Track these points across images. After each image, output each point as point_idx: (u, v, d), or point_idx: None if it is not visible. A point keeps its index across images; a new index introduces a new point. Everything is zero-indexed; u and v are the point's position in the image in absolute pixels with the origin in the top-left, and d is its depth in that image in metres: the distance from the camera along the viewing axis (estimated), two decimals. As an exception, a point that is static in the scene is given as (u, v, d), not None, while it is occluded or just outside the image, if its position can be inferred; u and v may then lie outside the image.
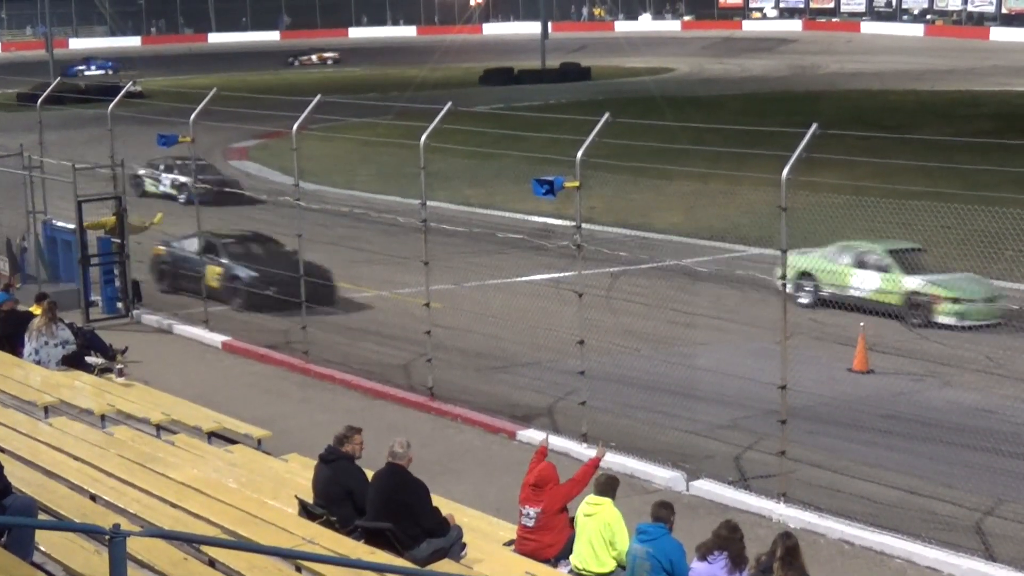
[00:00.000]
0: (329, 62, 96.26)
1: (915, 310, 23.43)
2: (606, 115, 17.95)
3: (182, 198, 36.86)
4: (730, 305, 24.83)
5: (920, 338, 22.72)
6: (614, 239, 28.93)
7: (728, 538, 11.95)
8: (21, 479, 12.87)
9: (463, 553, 12.75)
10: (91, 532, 10.43)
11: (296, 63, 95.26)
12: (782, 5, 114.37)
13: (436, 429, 19.37)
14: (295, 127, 22.78)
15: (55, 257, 27.64)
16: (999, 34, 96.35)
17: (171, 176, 38.52)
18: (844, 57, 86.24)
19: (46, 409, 17.42)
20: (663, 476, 17.03)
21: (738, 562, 11.85)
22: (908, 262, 23.85)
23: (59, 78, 39.62)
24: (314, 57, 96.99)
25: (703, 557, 11.97)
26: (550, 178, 17.82)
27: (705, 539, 12.11)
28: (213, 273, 26.00)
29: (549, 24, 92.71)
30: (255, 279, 25.72)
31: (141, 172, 38.93)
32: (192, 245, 26.37)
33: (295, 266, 23.31)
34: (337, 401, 20.74)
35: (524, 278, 26.55)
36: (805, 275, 24.66)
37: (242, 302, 25.80)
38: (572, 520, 13.24)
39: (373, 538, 12.50)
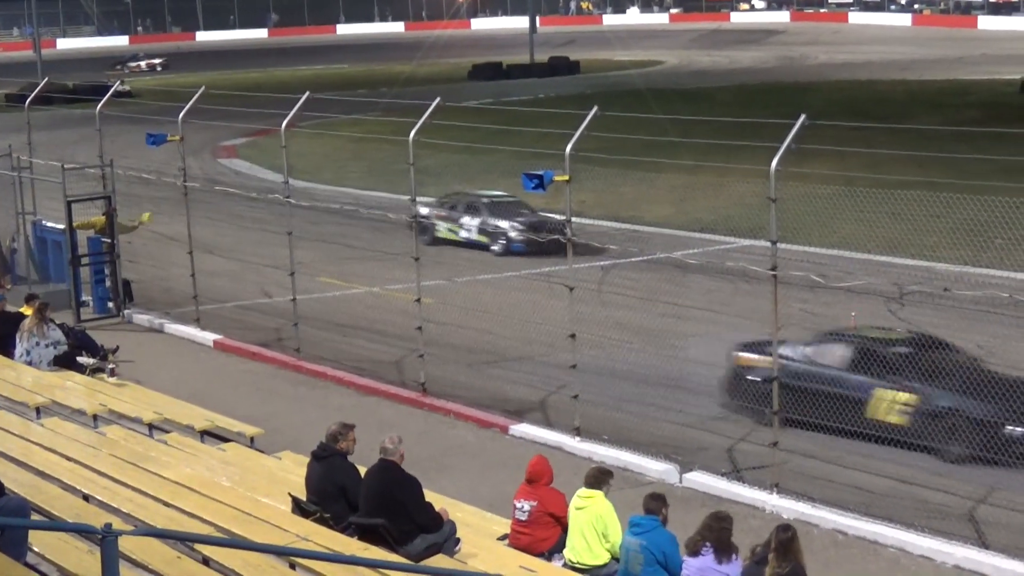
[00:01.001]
0: (158, 68, 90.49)
1: None
2: (595, 109, 17.97)
3: (497, 247, 30.48)
4: (721, 297, 24.83)
5: (910, 327, 22.73)
6: (604, 232, 28.92)
7: (709, 526, 11.98)
8: (13, 480, 12.86)
9: (457, 548, 12.76)
10: (84, 532, 10.41)
11: (125, 70, 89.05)
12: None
13: (429, 425, 19.38)
14: (284, 124, 22.77)
15: (45, 258, 27.61)
16: (987, 23, 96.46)
17: (479, 219, 31.06)
18: (832, 48, 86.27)
19: (38, 410, 17.41)
20: (656, 469, 17.05)
21: (722, 550, 11.84)
22: None
23: (47, 79, 39.56)
24: (142, 64, 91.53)
25: (694, 552, 11.99)
26: (540, 172, 17.83)
27: (693, 534, 12.14)
28: (891, 402, 17.31)
29: (537, 18, 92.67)
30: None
31: (426, 212, 29.98)
32: (829, 352, 17.89)
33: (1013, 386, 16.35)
34: (329, 398, 20.74)
35: (515, 272, 26.56)
36: None
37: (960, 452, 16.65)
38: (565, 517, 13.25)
39: (367, 534, 12.51)
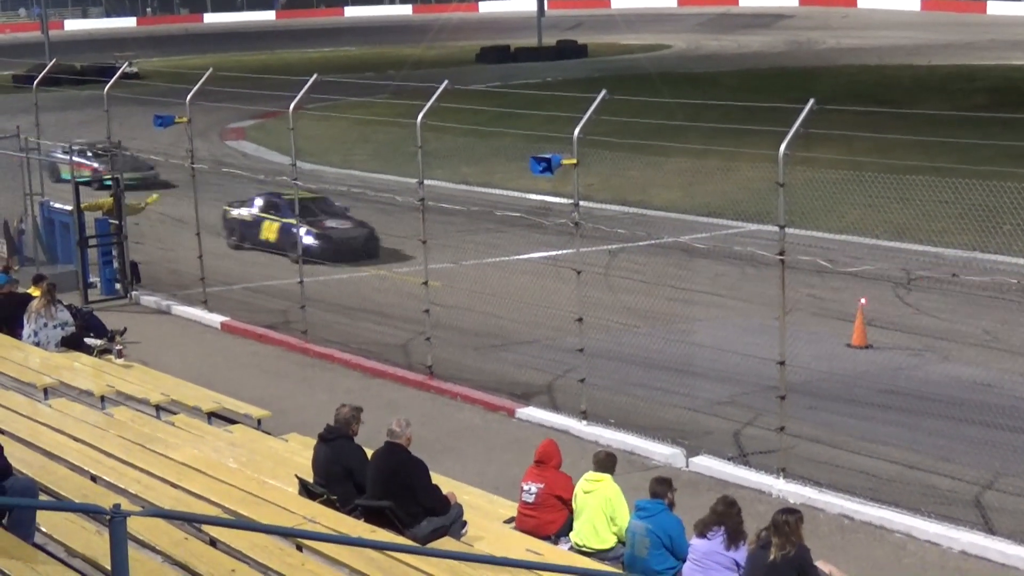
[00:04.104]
0: None
1: None
2: (603, 92, 17.94)
3: None
4: (728, 281, 24.84)
5: (918, 313, 22.75)
6: (612, 216, 28.93)
7: (724, 513, 11.97)
8: (21, 460, 12.88)
9: (464, 531, 12.78)
10: (92, 512, 10.44)
11: None
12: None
13: (435, 408, 19.39)
14: (292, 107, 22.75)
15: (53, 239, 27.64)
16: (996, 8, 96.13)
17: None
18: (841, 32, 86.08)
19: (46, 391, 17.43)
20: (662, 453, 17.06)
21: (735, 536, 11.86)
22: None
23: (55, 60, 39.43)
24: None
25: (702, 534, 11.99)
26: (547, 156, 17.82)
27: (704, 515, 12.14)
28: None
29: (545, 1, 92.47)
30: None
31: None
32: None
33: None
34: (336, 380, 20.75)
35: (522, 256, 26.55)
36: None
37: None
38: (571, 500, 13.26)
39: (373, 517, 12.52)
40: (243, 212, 30.07)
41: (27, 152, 27.79)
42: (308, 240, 26.45)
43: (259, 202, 29.96)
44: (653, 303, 22.08)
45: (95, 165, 33.34)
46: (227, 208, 30.43)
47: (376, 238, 28.50)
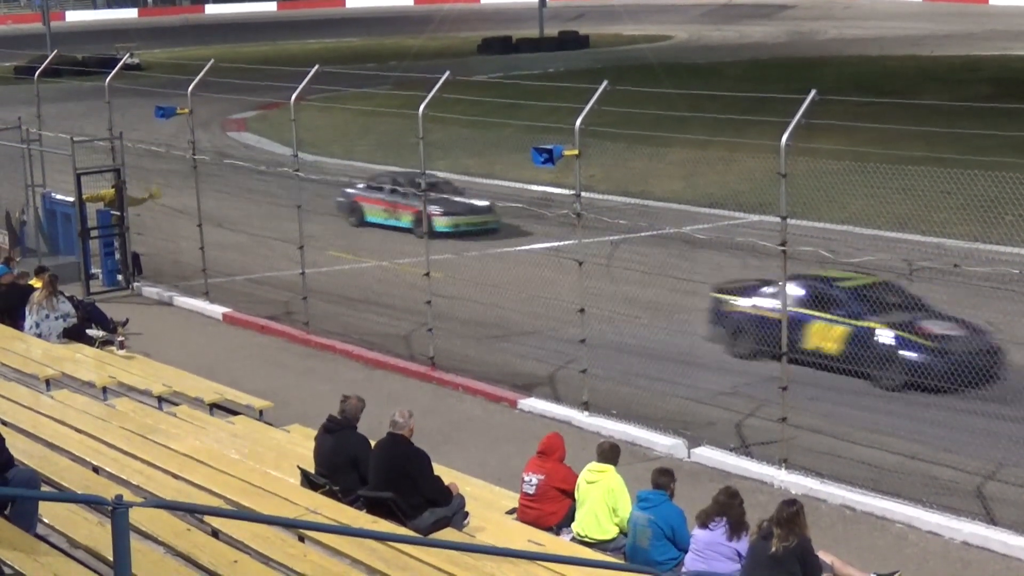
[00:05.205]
0: None
1: None
2: (604, 83, 17.94)
3: None
4: (730, 272, 24.79)
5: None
6: (614, 207, 28.84)
7: (727, 504, 11.98)
8: (23, 452, 12.89)
9: (465, 522, 12.79)
10: (94, 503, 10.45)
11: None
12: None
13: (437, 399, 19.40)
14: (293, 98, 22.74)
15: (55, 230, 27.64)
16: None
17: None
18: (843, 23, 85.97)
19: (48, 382, 17.45)
20: (664, 443, 17.07)
21: (737, 528, 11.88)
22: None
23: (56, 51, 39.33)
24: None
25: (704, 524, 12.00)
26: (549, 147, 17.82)
27: (706, 506, 12.15)
28: None
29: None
30: None
31: None
32: None
33: None
34: (338, 372, 20.76)
35: (524, 247, 26.54)
36: None
37: None
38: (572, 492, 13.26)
39: (375, 507, 12.53)
40: (761, 305, 19.82)
41: (28, 143, 27.77)
42: (910, 354, 18.82)
43: (797, 291, 19.25)
44: (655, 294, 22.06)
45: (421, 207, 24.25)
46: (721, 296, 21.51)
47: (1000, 351, 19.09)
